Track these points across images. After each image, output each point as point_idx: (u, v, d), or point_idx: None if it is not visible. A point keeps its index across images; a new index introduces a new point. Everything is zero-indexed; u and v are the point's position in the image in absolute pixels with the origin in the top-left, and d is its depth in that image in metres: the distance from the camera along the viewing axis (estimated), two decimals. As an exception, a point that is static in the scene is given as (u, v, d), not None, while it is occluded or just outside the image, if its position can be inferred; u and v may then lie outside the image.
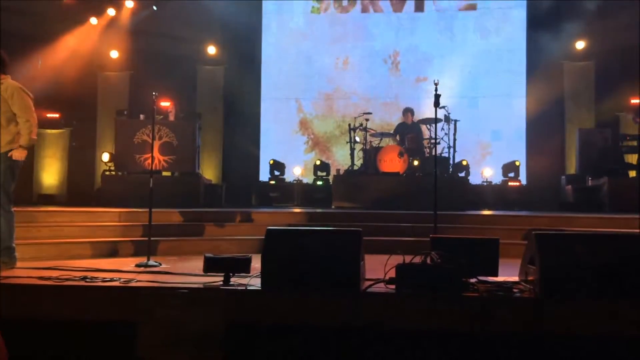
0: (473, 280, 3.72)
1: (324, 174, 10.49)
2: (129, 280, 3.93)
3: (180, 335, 3.48)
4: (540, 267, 3.48)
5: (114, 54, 11.12)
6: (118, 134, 9.40)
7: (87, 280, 3.92)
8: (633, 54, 9.81)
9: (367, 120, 9.34)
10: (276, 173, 10.67)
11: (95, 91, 11.43)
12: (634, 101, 9.31)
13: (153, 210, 5.33)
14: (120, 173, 9.16)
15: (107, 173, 9.28)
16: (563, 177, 10.17)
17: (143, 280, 4.01)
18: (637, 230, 5.31)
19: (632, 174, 9.03)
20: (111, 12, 10.73)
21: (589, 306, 3.39)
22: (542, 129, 10.84)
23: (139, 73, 11.10)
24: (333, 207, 8.62)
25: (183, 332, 3.48)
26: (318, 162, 10.62)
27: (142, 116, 9.35)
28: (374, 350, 3.48)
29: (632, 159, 9.27)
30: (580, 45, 10.58)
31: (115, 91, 11.42)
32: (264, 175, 11.16)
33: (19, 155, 4.58)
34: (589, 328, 3.36)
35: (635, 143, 9.12)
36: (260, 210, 7.96)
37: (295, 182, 10.63)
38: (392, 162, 8.83)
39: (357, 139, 9.44)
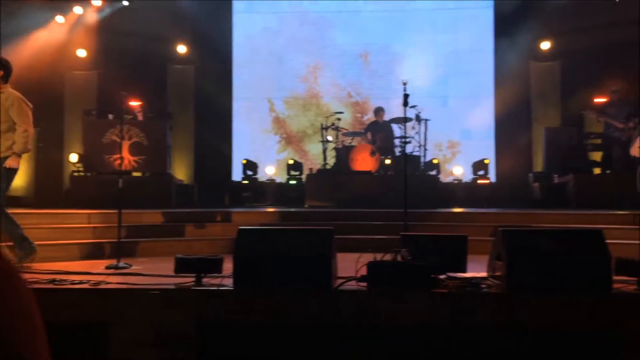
0: (443, 276, 3.78)
1: (297, 173, 10.52)
2: (99, 283, 3.89)
3: (152, 336, 3.47)
4: (506, 263, 3.57)
5: (82, 53, 10.94)
6: (86, 134, 9.27)
7: (56, 283, 3.86)
8: (597, 54, 10.10)
9: (339, 119, 9.40)
10: (249, 172, 10.64)
11: (62, 90, 11.22)
12: (598, 100, 9.57)
13: (123, 211, 5.28)
14: (89, 174, 9.02)
15: (76, 174, 9.13)
16: (530, 174, 10.39)
17: (113, 282, 3.97)
18: (600, 226, 5.48)
19: (597, 171, 9.29)
20: (78, 10, 10.55)
21: (554, 301, 3.49)
22: (510, 127, 11.06)
23: (107, 72, 10.94)
24: (306, 206, 8.65)
25: (155, 333, 3.47)
26: (291, 162, 10.64)
27: (110, 116, 9.22)
28: (346, 348, 3.52)
29: (596, 156, 9.53)
30: (545, 45, 10.82)
31: (83, 90, 11.23)
32: (237, 174, 11.12)
33: (12, 162, 4.70)
34: (554, 322, 3.46)
35: (599, 141, 9.37)
36: (232, 210, 7.94)
37: (268, 181, 10.62)
38: (364, 161, 8.91)
39: (330, 138, 9.50)
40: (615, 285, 3.58)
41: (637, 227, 5.31)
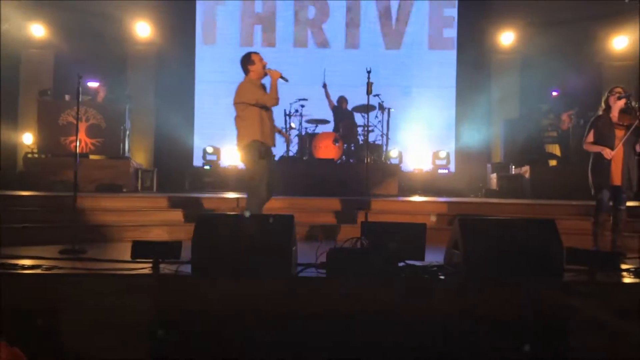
0: (401, 264, 3.83)
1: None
2: (51, 268, 3.78)
3: (106, 323, 3.39)
4: (463, 251, 3.64)
5: (39, 31, 10.54)
6: (41, 115, 8.97)
7: (6, 267, 3.73)
8: (556, 49, 10.35)
9: (302, 106, 9.35)
10: (210, 158, 10.51)
11: (17, 69, 10.82)
12: (555, 93, 9.84)
13: (79, 195, 5.14)
14: (43, 156, 8.75)
15: (30, 156, 8.84)
16: (489, 165, 10.61)
17: (67, 267, 3.86)
18: (554, 216, 5.62)
19: (552, 163, 9.55)
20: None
21: (508, 288, 3.58)
22: (471, 119, 11.24)
23: (65, 51, 10.58)
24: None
25: (109, 320, 3.39)
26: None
27: (67, 97, 8.95)
28: (305, 334, 3.52)
29: (552, 148, 9.80)
30: (507, 39, 11.00)
31: (39, 70, 10.85)
32: (198, 160, 10.97)
33: None
34: (508, 309, 3.55)
35: (555, 134, 9.63)
36: (193, 196, 7.82)
37: (230, 167, 10.52)
38: (327, 149, 8.90)
39: (293, 124, 9.45)
40: (567, 274, 3.70)
41: (588, 218, 5.49)
